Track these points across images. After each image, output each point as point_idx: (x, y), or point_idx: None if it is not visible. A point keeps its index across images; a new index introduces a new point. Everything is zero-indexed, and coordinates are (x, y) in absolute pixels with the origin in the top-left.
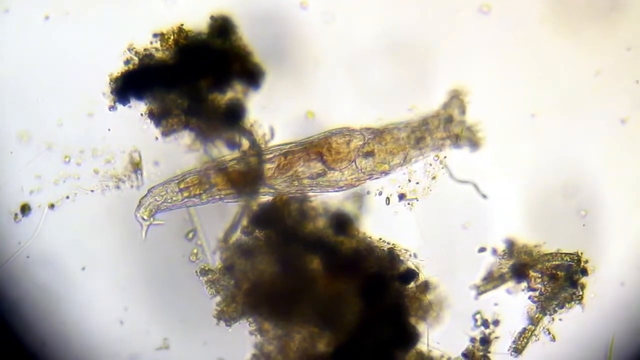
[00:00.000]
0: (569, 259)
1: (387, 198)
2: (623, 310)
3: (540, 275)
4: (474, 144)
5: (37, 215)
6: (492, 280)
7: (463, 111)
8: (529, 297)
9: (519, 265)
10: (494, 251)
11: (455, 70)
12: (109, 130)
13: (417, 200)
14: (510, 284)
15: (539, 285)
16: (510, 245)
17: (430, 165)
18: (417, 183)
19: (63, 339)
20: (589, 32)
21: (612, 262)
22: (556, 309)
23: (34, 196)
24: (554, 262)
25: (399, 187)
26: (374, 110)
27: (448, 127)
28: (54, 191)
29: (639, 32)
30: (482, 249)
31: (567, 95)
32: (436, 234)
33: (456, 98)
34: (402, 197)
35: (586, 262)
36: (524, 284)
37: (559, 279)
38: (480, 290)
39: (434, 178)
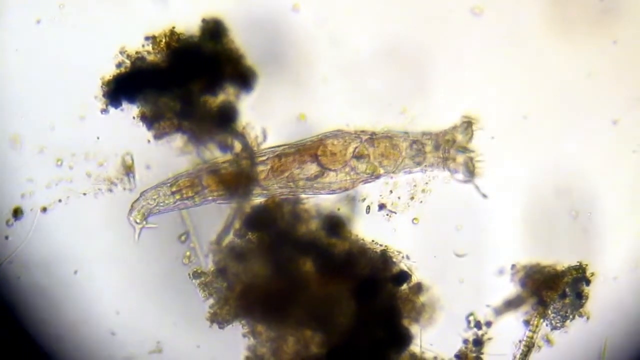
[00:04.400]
0: (576, 273)
1: (368, 207)
2: (616, 309)
3: (551, 292)
4: (471, 174)
5: (29, 218)
6: (512, 304)
7: (469, 139)
8: (533, 309)
9: (535, 286)
10: (513, 273)
11: (447, 73)
12: (98, 138)
13: (396, 214)
14: (528, 305)
15: (551, 302)
16: (524, 268)
17: (415, 185)
18: (399, 198)
19: (55, 343)
20: (581, 33)
21: (606, 260)
22: (564, 322)
23: (26, 200)
24: (565, 279)
25: (380, 196)
26: (366, 113)
27: (449, 149)
28: (47, 195)
29: (631, 33)
30: (501, 271)
31: (559, 97)
32: (429, 236)
33: (466, 124)
34: (382, 207)
35: (592, 275)
36: (536, 301)
37: (568, 295)
38: (500, 312)
39: (412, 198)
